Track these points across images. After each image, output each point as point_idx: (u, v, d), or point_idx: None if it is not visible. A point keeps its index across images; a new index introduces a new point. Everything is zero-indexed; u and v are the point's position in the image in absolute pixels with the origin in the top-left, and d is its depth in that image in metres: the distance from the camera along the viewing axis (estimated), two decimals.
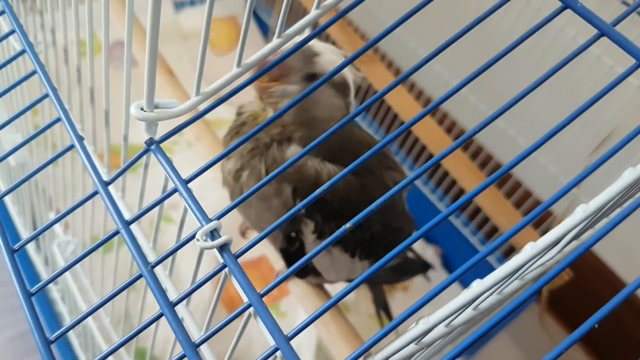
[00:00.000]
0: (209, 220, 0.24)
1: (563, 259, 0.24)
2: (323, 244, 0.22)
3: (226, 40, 1.23)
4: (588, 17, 0.24)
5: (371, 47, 0.26)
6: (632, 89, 0.71)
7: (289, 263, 0.54)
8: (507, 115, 0.26)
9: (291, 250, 0.51)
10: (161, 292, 0.23)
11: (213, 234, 0.24)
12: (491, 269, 0.21)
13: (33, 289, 0.24)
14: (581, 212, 0.21)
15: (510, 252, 0.93)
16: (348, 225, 0.23)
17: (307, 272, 0.55)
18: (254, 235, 0.61)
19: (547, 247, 0.21)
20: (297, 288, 0.56)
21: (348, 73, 0.47)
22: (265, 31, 1.25)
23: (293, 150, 0.47)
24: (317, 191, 0.24)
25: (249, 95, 0.46)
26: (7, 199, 0.78)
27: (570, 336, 0.20)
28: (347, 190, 0.48)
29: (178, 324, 0.22)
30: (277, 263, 0.61)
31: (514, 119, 0.89)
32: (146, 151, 0.26)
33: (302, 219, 0.48)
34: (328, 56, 0.44)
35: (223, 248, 0.24)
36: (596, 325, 0.19)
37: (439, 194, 1.02)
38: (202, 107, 0.27)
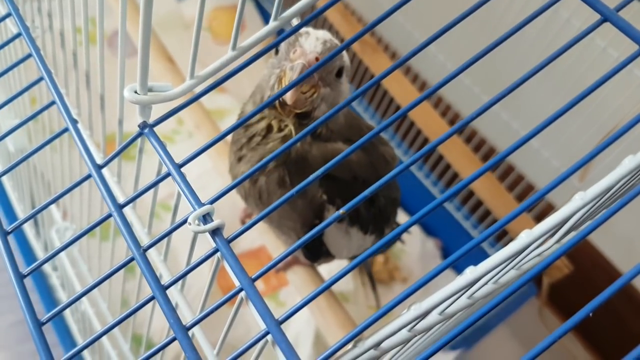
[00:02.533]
0: (201, 205, 0.23)
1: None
2: (311, 233, 0.22)
3: (228, 29, 1.22)
4: (591, 2, 0.24)
5: (370, 30, 0.25)
6: (637, 81, 0.71)
7: (309, 252, 0.55)
8: (512, 108, 0.26)
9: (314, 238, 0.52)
10: (152, 275, 0.23)
11: (206, 218, 0.24)
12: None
13: (25, 271, 0.24)
14: (579, 199, 0.21)
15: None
16: (341, 211, 0.22)
17: (319, 255, 0.55)
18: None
19: (544, 234, 0.21)
20: (295, 277, 0.56)
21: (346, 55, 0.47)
22: (267, 18, 1.24)
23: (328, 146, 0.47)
24: (325, 167, 0.24)
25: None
26: (7, 185, 0.78)
27: (565, 324, 0.19)
28: (361, 169, 0.49)
29: (169, 307, 0.22)
30: (276, 253, 0.61)
31: (519, 113, 0.89)
32: (139, 134, 0.26)
33: (325, 206, 0.49)
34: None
35: (216, 232, 0.23)
36: (591, 314, 0.19)
37: (441, 187, 1.01)
38: (198, 90, 0.26)
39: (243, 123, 0.26)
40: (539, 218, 0.88)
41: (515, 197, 0.89)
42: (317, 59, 0.41)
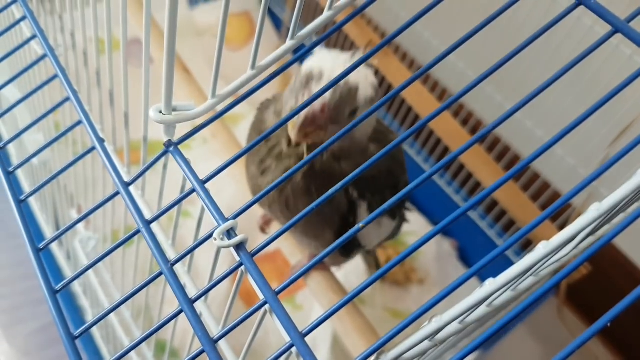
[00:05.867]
0: (225, 220, 0.24)
1: (580, 254, 0.24)
2: (333, 245, 0.22)
3: (240, 36, 1.23)
4: (602, 13, 0.24)
5: (388, 44, 0.26)
6: None
7: (343, 250, 0.56)
8: (525, 106, 0.26)
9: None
10: (180, 289, 0.24)
11: (230, 232, 0.24)
12: (509, 262, 0.21)
13: (58, 287, 0.25)
14: (594, 210, 0.21)
15: (527, 245, 0.92)
16: (361, 224, 0.23)
17: (352, 249, 0.57)
18: (273, 230, 0.62)
19: (561, 245, 0.22)
20: (313, 283, 0.56)
21: (365, 81, 0.45)
22: (279, 26, 1.25)
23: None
24: (349, 177, 0.24)
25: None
26: (30, 197, 0.79)
27: (587, 331, 0.20)
28: (382, 162, 0.49)
29: (197, 320, 0.23)
30: (292, 257, 0.62)
31: (532, 110, 0.89)
32: (165, 152, 0.26)
33: (357, 202, 0.50)
34: (363, 84, 0.44)
35: (239, 247, 0.24)
36: (609, 324, 0.19)
37: (455, 187, 1.01)
38: (219, 107, 0.27)
39: (265, 138, 0.26)
40: (555, 218, 0.88)
41: (532, 195, 0.89)
42: (323, 106, 0.41)
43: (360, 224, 0.23)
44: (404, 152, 0.63)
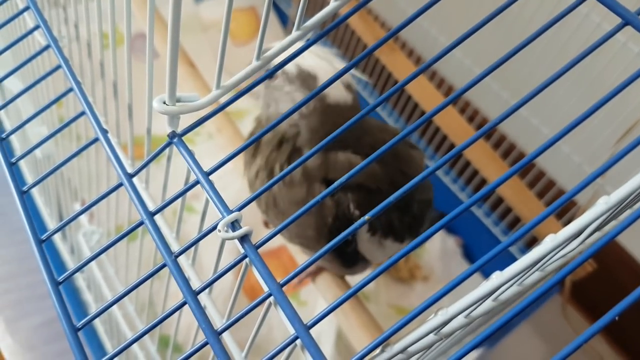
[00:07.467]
0: (230, 212, 0.24)
1: (586, 250, 0.24)
2: (333, 242, 0.22)
3: (246, 30, 1.23)
4: (611, 5, 0.24)
5: (388, 40, 0.26)
6: None
7: (344, 262, 0.55)
8: (531, 104, 0.25)
9: (348, 250, 0.53)
10: (184, 281, 0.24)
11: (234, 224, 0.24)
12: (513, 259, 0.21)
13: (60, 278, 0.25)
14: (603, 204, 0.21)
15: (532, 242, 0.92)
16: (367, 217, 0.23)
17: (355, 261, 0.56)
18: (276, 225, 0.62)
19: (568, 239, 0.21)
20: (319, 279, 0.56)
21: (318, 64, 0.46)
22: (285, 21, 1.25)
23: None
24: (342, 178, 0.24)
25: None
26: (34, 190, 0.80)
27: (590, 328, 0.20)
28: (391, 176, 0.49)
29: (201, 312, 0.23)
30: (298, 253, 0.61)
31: (538, 108, 0.88)
32: (169, 144, 0.26)
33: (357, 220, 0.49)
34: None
35: (244, 239, 0.24)
36: (616, 318, 0.19)
37: (461, 184, 1.01)
38: (223, 99, 0.27)
39: (254, 142, 0.26)
40: (560, 215, 0.87)
41: (537, 193, 0.89)
42: None
43: (366, 217, 0.23)
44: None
